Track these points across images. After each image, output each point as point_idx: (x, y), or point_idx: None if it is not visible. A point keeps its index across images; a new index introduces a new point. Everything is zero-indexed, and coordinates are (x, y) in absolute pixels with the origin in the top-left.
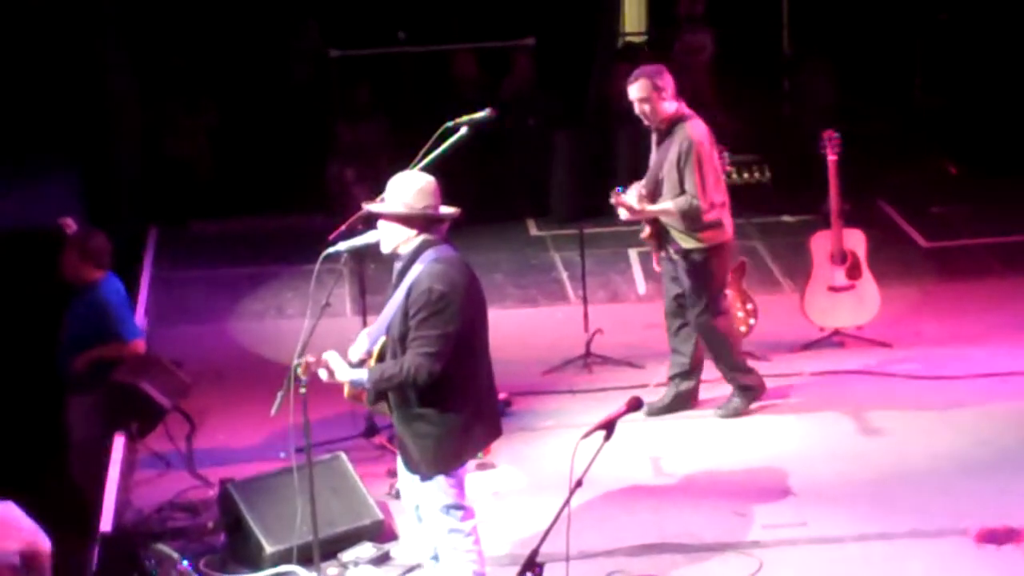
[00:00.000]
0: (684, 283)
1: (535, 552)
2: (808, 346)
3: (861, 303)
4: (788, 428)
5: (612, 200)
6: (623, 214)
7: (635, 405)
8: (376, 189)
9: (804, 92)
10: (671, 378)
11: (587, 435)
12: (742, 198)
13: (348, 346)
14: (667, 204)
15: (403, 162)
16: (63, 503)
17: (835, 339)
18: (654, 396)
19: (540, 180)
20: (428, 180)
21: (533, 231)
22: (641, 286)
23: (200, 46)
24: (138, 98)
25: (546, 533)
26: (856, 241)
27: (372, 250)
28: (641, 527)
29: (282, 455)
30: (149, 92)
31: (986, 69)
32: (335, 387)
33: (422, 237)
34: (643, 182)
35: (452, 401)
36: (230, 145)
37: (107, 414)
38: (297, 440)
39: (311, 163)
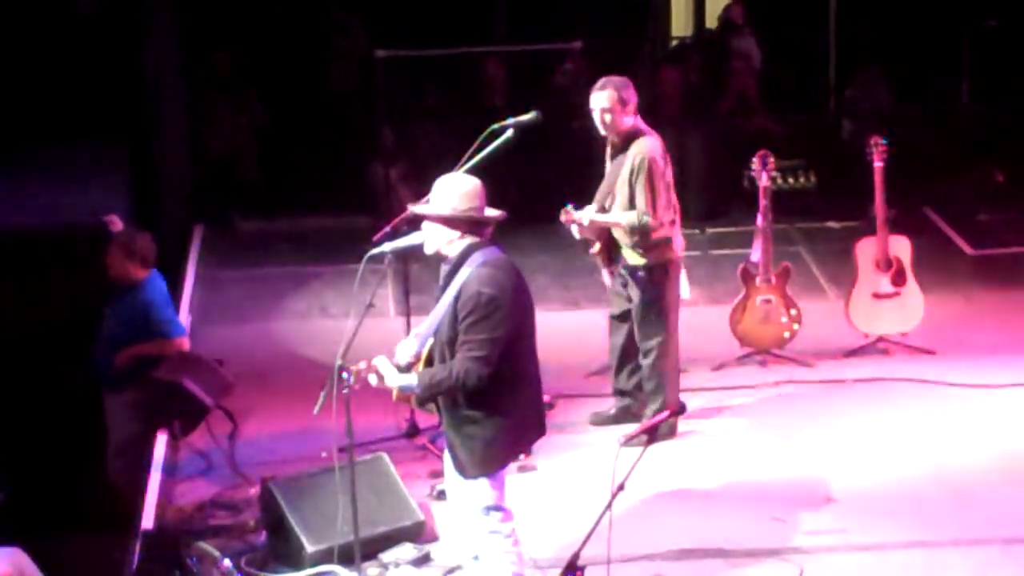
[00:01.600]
0: (634, 300)
1: (576, 555)
2: (852, 353)
3: (906, 310)
4: (830, 434)
5: (562, 218)
6: (575, 231)
7: (678, 410)
8: (421, 190)
9: (853, 98)
10: (619, 392)
11: (629, 439)
12: (787, 203)
13: (392, 347)
14: (617, 216)
15: (449, 163)
16: (101, 500)
17: (879, 346)
18: (699, 401)
19: (585, 183)
20: (474, 182)
21: (577, 234)
22: (685, 290)
23: (246, 43)
24: (185, 96)
25: (588, 536)
26: (902, 248)
27: (416, 251)
28: (681, 532)
29: (324, 454)
30: (195, 89)
31: None
32: (378, 388)
33: (468, 240)
34: (596, 195)
35: (500, 404)
36: (276, 144)
37: (149, 412)
38: (339, 440)
39: (356, 163)
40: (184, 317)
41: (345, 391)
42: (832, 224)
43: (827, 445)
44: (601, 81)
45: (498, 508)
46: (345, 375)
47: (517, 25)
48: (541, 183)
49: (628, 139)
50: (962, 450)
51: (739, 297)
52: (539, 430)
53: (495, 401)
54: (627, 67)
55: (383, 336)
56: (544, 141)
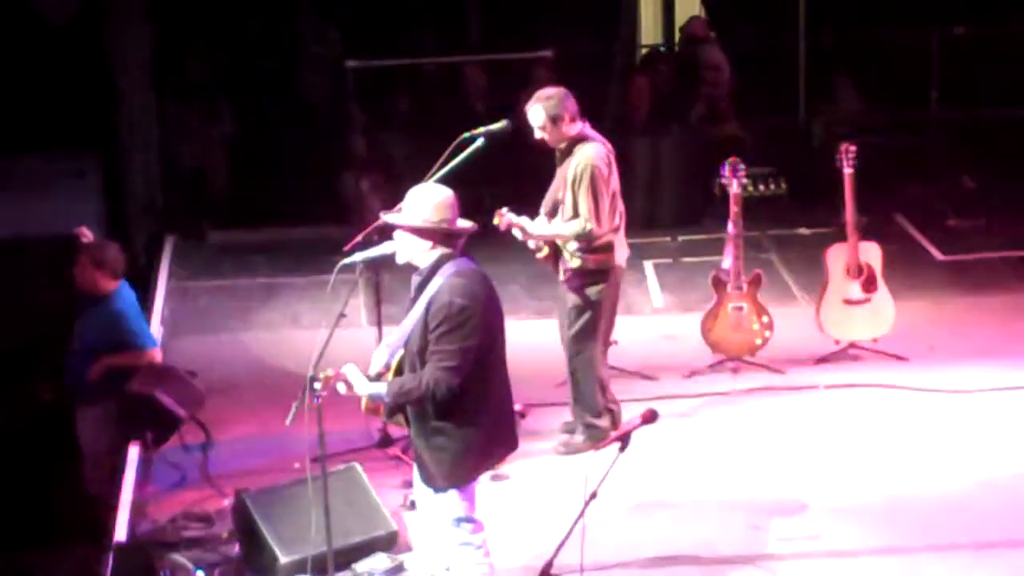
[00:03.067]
0: (567, 303)
1: (549, 564)
2: (823, 359)
3: (877, 316)
4: (803, 441)
5: (496, 221)
6: (517, 234)
7: (650, 417)
8: (392, 200)
9: (822, 105)
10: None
11: (602, 447)
12: (758, 210)
13: (364, 357)
14: (560, 228)
15: (419, 173)
16: (76, 512)
17: (850, 352)
18: (671, 408)
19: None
20: (446, 193)
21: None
22: (657, 298)
23: (216, 53)
24: (156, 107)
25: (560, 545)
26: (872, 254)
27: (388, 261)
28: (655, 539)
29: (297, 465)
30: (166, 100)
31: (1003, 82)
32: (350, 398)
33: (440, 251)
34: (542, 203)
35: (470, 415)
36: (246, 155)
37: (122, 423)
38: (312, 450)
39: (327, 172)
40: (156, 328)
41: (317, 402)
42: (803, 231)
43: (800, 452)
44: (534, 96)
45: (468, 520)
46: (317, 385)
47: (490, 34)
48: (512, 191)
49: (571, 147)
50: (934, 455)
51: (711, 304)
52: (510, 442)
53: (465, 412)
54: (598, 75)
55: (355, 346)
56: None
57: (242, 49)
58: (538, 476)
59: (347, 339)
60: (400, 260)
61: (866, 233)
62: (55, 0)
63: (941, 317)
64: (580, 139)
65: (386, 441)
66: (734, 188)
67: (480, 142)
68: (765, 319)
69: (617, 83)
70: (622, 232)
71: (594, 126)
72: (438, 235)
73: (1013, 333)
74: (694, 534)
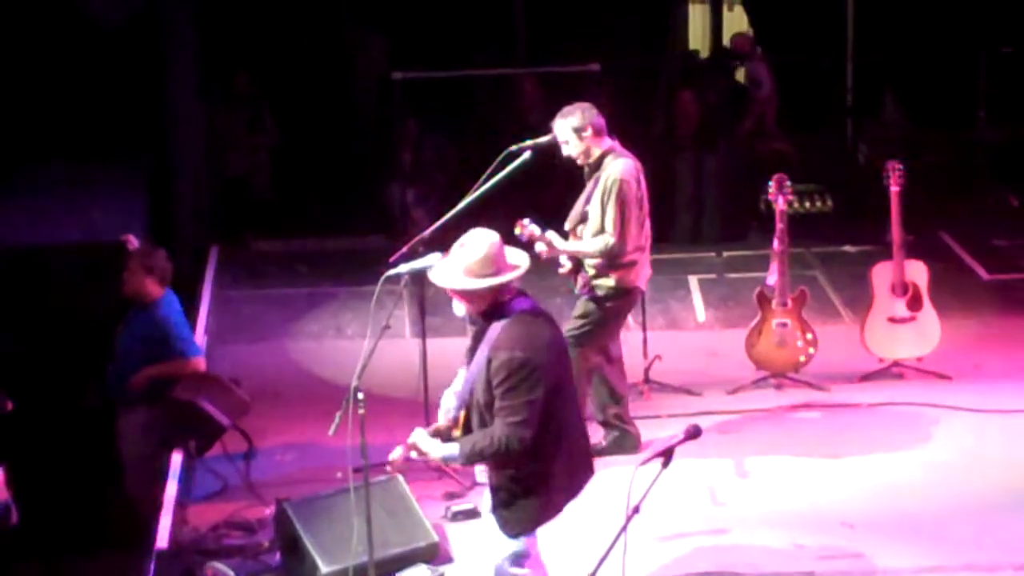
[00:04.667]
0: (577, 312)
1: None
2: (867, 377)
3: (921, 335)
4: (846, 459)
5: (517, 231)
6: (540, 248)
7: (693, 433)
8: (437, 211)
9: (869, 123)
10: (603, 424)
11: (645, 463)
12: (804, 227)
13: (407, 369)
14: (584, 245)
15: (467, 185)
16: (117, 519)
17: (895, 371)
18: (713, 424)
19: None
20: (485, 245)
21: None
22: (701, 313)
23: (265, 62)
24: (203, 115)
25: (602, 560)
26: (918, 273)
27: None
28: (697, 556)
29: (339, 475)
30: (213, 109)
31: None
32: (394, 409)
33: (498, 302)
34: (569, 216)
35: (548, 462)
36: (292, 164)
37: (165, 431)
38: (354, 461)
39: (373, 184)
40: (200, 337)
41: (361, 412)
42: (848, 248)
43: (842, 470)
44: (560, 112)
45: (527, 555)
46: (360, 395)
47: (537, 47)
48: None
49: (599, 162)
50: (977, 475)
51: (755, 321)
52: (587, 472)
53: (543, 460)
54: (646, 89)
55: (398, 357)
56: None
57: (290, 59)
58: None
59: (391, 350)
60: (457, 313)
61: (912, 251)
62: (107, 5)
63: (986, 336)
64: (608, 154)
65: None
66: (780, 204)
67: (527, 155)
68: (809, 336)
69: (664, 98)
70: (647, 252)
71: (639, 141)
72: (486, 293)
73: None
74: (736, 551)
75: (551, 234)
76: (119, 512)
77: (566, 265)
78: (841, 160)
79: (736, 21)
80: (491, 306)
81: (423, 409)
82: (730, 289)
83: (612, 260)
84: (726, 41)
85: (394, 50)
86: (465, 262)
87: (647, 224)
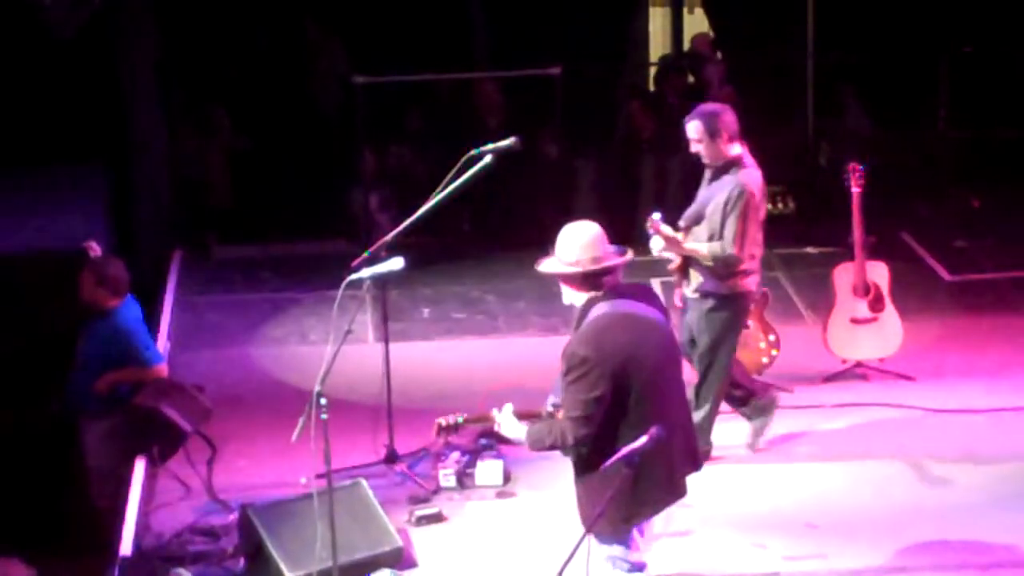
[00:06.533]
0: (694, 325)
1: None
2: (830, 378)
3: (884, 336)
4: (809, 460)
5: (648, 226)
6: (657, 244)
7: (656, 437)
8: (399, 216)
9: (830, 124)
10: (740, 412)
11: (608, 465)
12: (766, 229)
13: (369, 372)
14: (702, 246)
15: (429, 189)
16: (81, 526)
17: (857, 371)
18: None
19: (563, 208)
20: (586, 232)
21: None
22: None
23: (223, 66)
24: (163, 120)
25: (566, 562)
26: (879, 273)
27: (395, 277)
28: (660, 558)
29: (303, 480)
30: (172, 113)
31: (1011, 102)
32: (357, 414)
33: (588, 293)
34: (684, 214)
35: (612, 465)
36: (254, 169)
37: (128, 438)
38: (318, 466)
39: (336, 188)
40: (162, 343)
41: (324, 417)
42: (810, 250)
43: (806, 470)
44: (695, 111)
45: (623, 560)
46: (323, 401)
47: (497, 50)
48: (521, 208)
49: (727, 167)
50: (941, 475)
51: None
52: (673, 491)
53: (604, 462)
54: (606, 93)
55: (361, 362)
56: (525, 166)
57: (249, 62)
58: (547, 493)
59: (354, 355)
60: (565, 302)
61: (873, 252)
62: (62, 13)
63: (948, 337)
64: (737, 163)
65: (392, 457)
66: None
67: (488, 159)
68: (772, 337)
69: (623, 102)
70: (758, 260)
71: (601, 143)
72: (577, 278)
73: (1019, 353)
74: (699, 553)
75: (673, 232)
76: (82, 520)
77: (676, 261)
78: (802, 161)
79: (697, 24)
80: (586, 302)
81: (386, 414)
82: None
83: (726, 267)
84: (687, 44)
85: (353, 53)
86: (563, 247)
87: (760, 235)
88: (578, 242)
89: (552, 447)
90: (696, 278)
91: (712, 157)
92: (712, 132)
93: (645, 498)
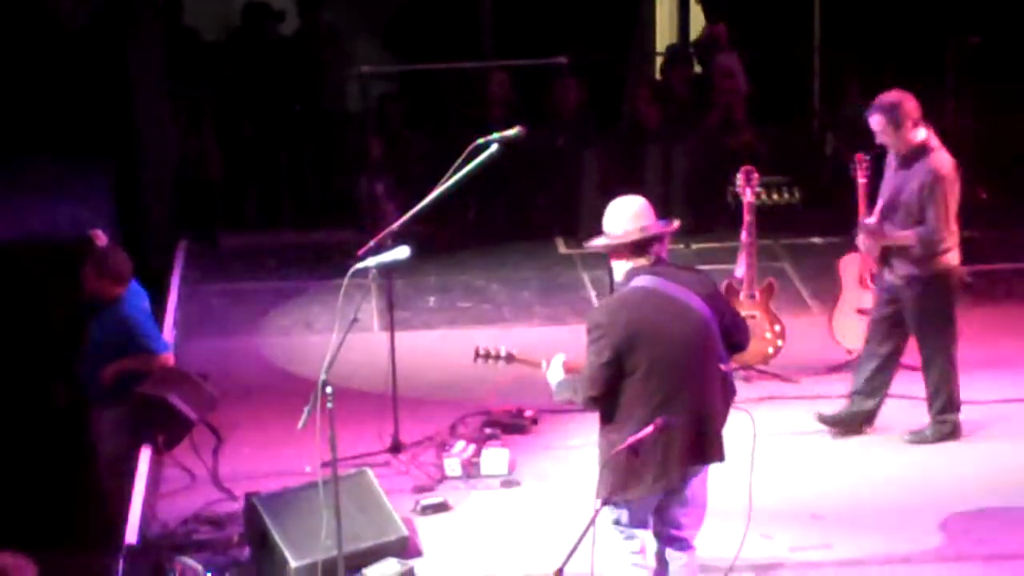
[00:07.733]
0: (912, 310)
1: (560, 571)
2: (836, 368)
3: None
4: (815, 450)
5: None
6: (861, 241)
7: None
8: (406, 204)
9: (836, 114)
10: (852, 394)
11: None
12: (771, 219)
13: (374, 361)
14: (908, 234)
15: (435, 178)
16: (89, 515)
17: None
18: None
19: (569, 198)
20: (628, 204)
21: (562, 249)
22: None
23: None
24: (169, 110)
25: (572, 551)
26: None
27: (400, 266)
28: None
29: (308, 469)
30: (178, 103)
31: (1018, 92)
32: (363, 403)
33: (631, 263)
34: (877, 205)
35: (618, 430)
36: (261, 159)
37: (134, 427)
38: (323, 455)
39: (342, 177)
40: (168, 332)
41: (329, 406)
42: (816, 240)
43: (812, 461)
44: (875, 103)
45: (625, 524)
46: (329, 390)
47: (504, 40)
48: (527, 199)
49: (917, 154)
50: (946, 465)
51: None
52: (673, 467)
53: (612, 427)
54: (614, 81)
55: (366, 351)
56: (532, 157)
57: (258, 53)
58: (551, 482)
59: (359, 344)
60: (617, 279)
61: None
62: (70, 5)
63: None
64: (927, 148)
65: (397, 446)
66: (747, 196)
67: (494, 148)
68: (777, 328)
69: (631, 89)
70: (956, 235)
71: (608, 132)
72: (628, 249)
73: None
74: (705, 542)
75: (884, 226)
76: (91, 507)
77: (875, 250)
78: (809, 152)
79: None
80: (627, 272)
81: (391, 402)
82: None
83: (930, 250)
84: (694, 34)
85: (359, 43)
86: (609, 220)
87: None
88: (625, 214)
89: (572, 400)
90: (900, 267)
91: (899, 147)
92: (896, 123)
93: (640, 472)
